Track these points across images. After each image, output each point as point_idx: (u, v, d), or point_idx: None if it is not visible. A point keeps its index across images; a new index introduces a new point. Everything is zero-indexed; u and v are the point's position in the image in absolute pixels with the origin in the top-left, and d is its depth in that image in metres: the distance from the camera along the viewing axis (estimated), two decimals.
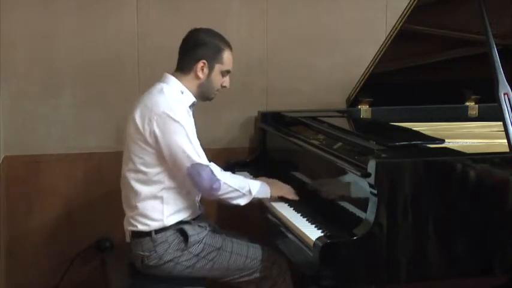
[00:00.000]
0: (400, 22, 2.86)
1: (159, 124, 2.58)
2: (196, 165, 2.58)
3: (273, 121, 3.36)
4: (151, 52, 3.36)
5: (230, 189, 2.64)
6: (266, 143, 3.40)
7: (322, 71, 3.57)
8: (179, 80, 2.72)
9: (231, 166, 3.23)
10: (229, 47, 2.77)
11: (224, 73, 2.76)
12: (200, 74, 2.71)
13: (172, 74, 2.74)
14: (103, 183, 3.34)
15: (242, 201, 2.68)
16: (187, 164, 2.58)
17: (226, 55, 2.75)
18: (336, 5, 3.56)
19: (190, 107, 2.73)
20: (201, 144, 2.65)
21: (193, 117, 2.74)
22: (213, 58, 2.71)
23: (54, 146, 3.33)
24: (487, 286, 2.51)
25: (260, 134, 3.44)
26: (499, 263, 2.41)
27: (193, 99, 2.73)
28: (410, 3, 2.77)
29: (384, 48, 3.00)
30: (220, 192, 2.62)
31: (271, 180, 2.87)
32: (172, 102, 2.63)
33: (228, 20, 3.44)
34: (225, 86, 2.79)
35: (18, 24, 3.22)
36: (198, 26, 2.75)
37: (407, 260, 2.35)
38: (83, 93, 3.33)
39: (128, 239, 2.74)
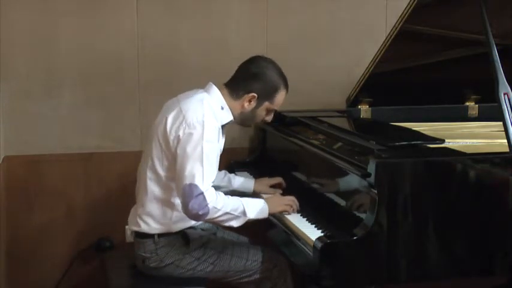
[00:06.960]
0: (400, 22, 2.86)
1: (185, 131, 2.52)
2: (193, 186, 2.47)
3: (272, 121, 3.35)
4: (151, 52, 3.35)
5: (220, 212, 2.51)
6: (266, 143, 3.39)
7: (322, 71, 3.56)
8: (224, 96, 2.65)
9: (231, 166, 3.22)
10: (287, 87, 2.71)
11: (270, 111, 2.72)
12: (246, 105, 2.66)
13: (219, 87, 2.67)
14: (103, 183, 3.34)
15: (235, 223, 2.56)
16: (186, 181, 2.48)
17: (280, 96, 2.69)
18: (336, 5, 3.56)
19: (225, 125, 2.67)
20: None
21: None
22: (265, 96, 2.66)
23: (54, 146, 3.32)
24: (487, 286, 2.51)
25: (260, 134, 3.43)
26: (499, 263, 2.42)
27: (231, 117, 2.66)
28: (410, 3, 2.77)
29: (383, 48, 2.99)
30: (208, 217, 2.51)
31: (271, 194, 2.87)
32: (208, 117, 2.54)
33: (228, 20, 3.44)
34: (266, 120, 2.77)
35: (18, 24, 3.22)
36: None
37: (407, 260, 2.35)
38: (83, 93, 3.32)
39: (128, 238, 2.74)
